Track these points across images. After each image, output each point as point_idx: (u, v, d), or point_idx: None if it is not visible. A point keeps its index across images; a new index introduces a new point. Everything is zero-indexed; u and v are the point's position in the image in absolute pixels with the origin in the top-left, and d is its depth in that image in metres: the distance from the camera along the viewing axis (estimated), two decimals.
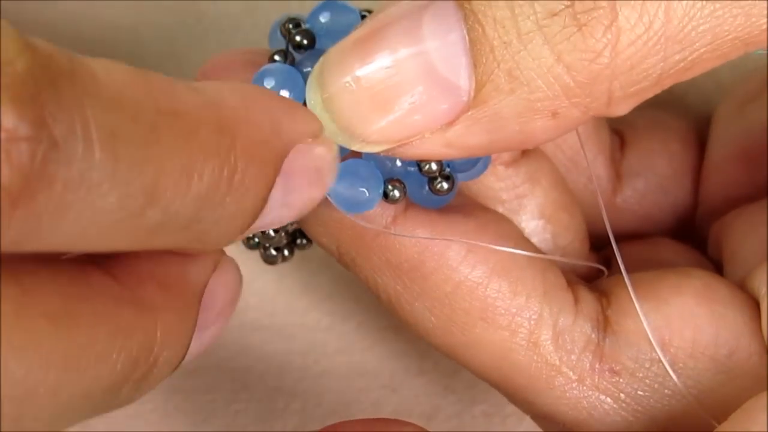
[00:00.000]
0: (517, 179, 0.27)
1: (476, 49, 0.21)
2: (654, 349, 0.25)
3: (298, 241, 0.28)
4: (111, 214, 0.18)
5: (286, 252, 0.28)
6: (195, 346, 0.22)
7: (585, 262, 0.28)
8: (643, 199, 0.30)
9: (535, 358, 0.25)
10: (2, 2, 0.34)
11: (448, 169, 0.24)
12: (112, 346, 0.20)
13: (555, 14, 0.21)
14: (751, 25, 0.21)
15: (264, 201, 0.21)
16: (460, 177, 0.25)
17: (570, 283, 0.26)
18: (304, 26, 0.25)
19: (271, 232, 0.26)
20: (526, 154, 0.27)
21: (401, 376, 0.32)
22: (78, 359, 0.19)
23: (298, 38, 0.25)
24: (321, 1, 0.25)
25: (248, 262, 0.32)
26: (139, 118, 0.18)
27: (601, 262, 0.29)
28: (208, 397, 0.32)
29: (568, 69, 0.21)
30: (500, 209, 0.27)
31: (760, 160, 0.29)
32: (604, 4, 0.21)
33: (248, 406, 0.31)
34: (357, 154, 0.24)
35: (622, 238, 0.30)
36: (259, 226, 0.21)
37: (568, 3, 0.21)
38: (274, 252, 0.28)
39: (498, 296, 0.25)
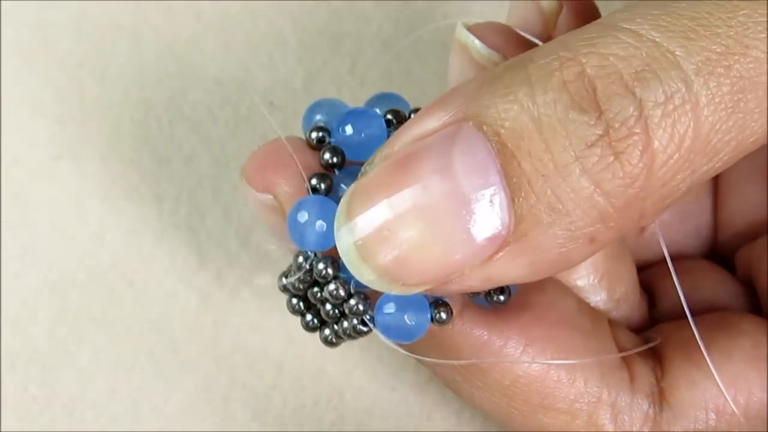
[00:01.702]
0: None
1: (513, 183, 0.21)
2: (717, 416, 0.25)
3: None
4: None
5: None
6: None
7: (637, 348, 0.27)
8: (668, 229, 0.30)
9: None
10: (2, 2, 0.34)
11: None
12: None
13: (591, 145, 0.20)
14: None
15: None
16: None
17: (625, 357, 0.26)
18: (329, 140, 0.25)
19: (353, 336, 0.24)
20: None
21: (400, 374, 0.32)
22: None
23: (327, 157, 0.24)
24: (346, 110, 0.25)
25: (245, 260, 0.32)
26: None
27: (646, 299, 0.29)
28: (208, 397, 0.31)
29: (606, 196, 0.21)
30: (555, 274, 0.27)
31: None
32: (637, 130, 0.21)
33: (247, 406, 0.31)
34: None
35: (657, 262, 0.29)
36: None
37: (602, 132, 0.20)
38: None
39: (557, 385, 0.25)
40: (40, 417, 0.31)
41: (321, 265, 0.24)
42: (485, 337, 0.25)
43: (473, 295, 0.25)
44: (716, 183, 0.30)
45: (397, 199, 0.21)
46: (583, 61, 0.21)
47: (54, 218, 0.33)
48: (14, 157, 0.33)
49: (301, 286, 0.24)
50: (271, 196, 0.25)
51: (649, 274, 0.29)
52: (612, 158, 0.21)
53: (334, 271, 0.24)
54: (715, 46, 0.21)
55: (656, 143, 0.21)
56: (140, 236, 0.32)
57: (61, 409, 0.31)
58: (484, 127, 0.21)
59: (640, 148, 0.21)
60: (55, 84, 0.33)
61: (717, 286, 0.29)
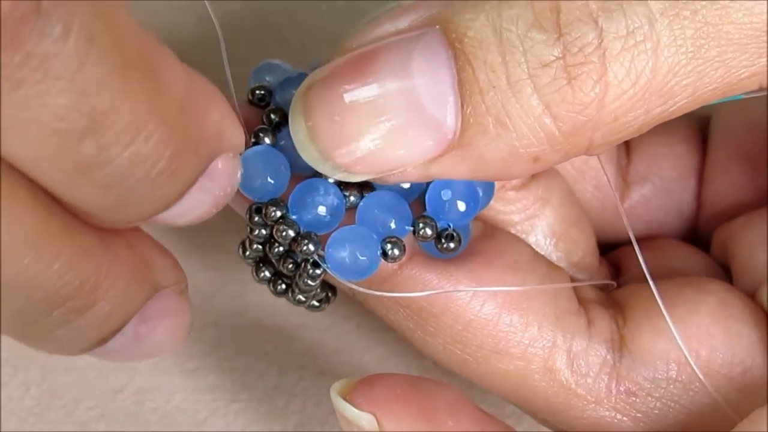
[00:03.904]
0: (527, 202, 0.27)
1: (465, 90, 0.21)
2: (679, 368, 0.25)
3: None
4: (52, 121, 0.18)
5: (329, 295, 0.27)
6: None
7: (594, 281, 0.28)
8: (649, 204, 0.30)
9: (551, 383, 0.25)
10: None
11: (450, 227, 0.24)
12: (71, 258, 0.20)
13: (546, 65, 0.21)
14: (731, 75, 0.22)
15: (182, 196, 0.20)
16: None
17: (583, 302, 0.26)
18: (269, 100, 0.25)
19: (310, 283, 0.25)
20: (536, 175, 0.27)
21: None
22: (38, 243, 0.19)
23: (272, 117, 0.25)
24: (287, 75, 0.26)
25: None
26: (121, 47, 0.18)
27: (610, 269, 0.29)
28: (209, 397, 0.32)
29: (554, 119, 0.21)
30: (512, 231, 0.27)
31: (762, 161, 0.29)
32: (594, 59, 0.21)
33: (248, 406, 0.31)
34: (351, 220, 0.24)
35: (629, 242, 0.30)
36: (164, 217, 0.21)
37: (560, 55, 0.21)
38: (317, 303, 0.27)
39: (510, 329, 0.25)
40: (40, 417, 0.31)
41: (272, 208, 0.24)
42: (435, 281, 0.25)
43: (424, 243, 0.25)
44: (702, 162, 0.30)
45: (353, 89, 0.22)
46: None
47: None
48: None
49: (259, 246, 0.25)
50: None
51: (619, 251, 0.30)
52: (565, 82, 0.21)
53: (281, 211, 0.24)
54: None
55: (611, 75, 0.21)
56: None
57: (61, 409, 0.31)
58: (451, 34, 0.21)
59: (594, 77, 0.21)
60: None
61: (689, 261, 0.29)
